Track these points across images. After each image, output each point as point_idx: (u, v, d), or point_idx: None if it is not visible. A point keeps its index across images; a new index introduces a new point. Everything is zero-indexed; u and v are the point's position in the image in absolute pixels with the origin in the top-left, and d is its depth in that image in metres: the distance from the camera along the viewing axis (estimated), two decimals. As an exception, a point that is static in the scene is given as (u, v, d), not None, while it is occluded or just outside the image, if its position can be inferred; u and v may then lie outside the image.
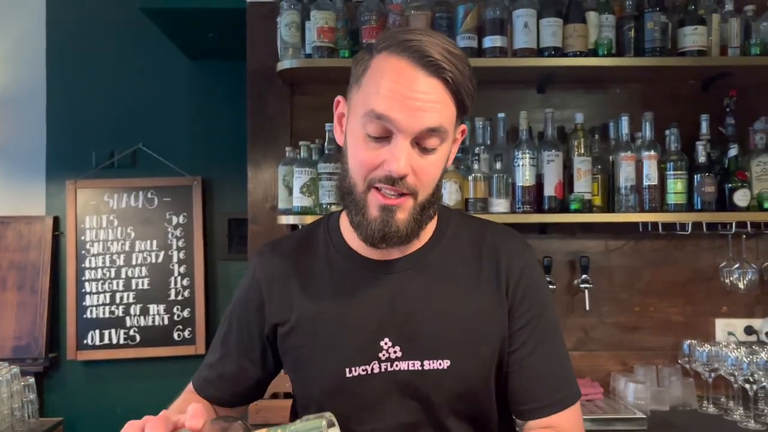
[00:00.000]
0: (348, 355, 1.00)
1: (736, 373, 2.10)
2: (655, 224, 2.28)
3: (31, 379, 2.35)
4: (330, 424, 0.72)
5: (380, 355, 0.99)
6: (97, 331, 3.01)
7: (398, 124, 0.90)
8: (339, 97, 1.03)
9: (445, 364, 0.98)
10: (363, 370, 0.99)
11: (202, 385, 1.12)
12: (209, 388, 1.11)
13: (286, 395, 2.13)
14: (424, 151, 0.93)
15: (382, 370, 0.99)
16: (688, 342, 2.29)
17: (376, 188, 0.95)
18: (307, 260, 1.07)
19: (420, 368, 0.98)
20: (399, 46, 0.91)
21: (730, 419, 2.12)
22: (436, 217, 1.05)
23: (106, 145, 3.04)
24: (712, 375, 2.19)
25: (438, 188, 0.99)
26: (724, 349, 2.16)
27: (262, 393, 1.15)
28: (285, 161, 2.23)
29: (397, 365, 0.99)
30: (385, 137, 0.92)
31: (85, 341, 3.00)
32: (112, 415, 2.95)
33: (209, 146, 3.04)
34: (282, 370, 1.14)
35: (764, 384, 2.08)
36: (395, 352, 0.99)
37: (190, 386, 1.15)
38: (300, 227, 2.10)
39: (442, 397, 0.99)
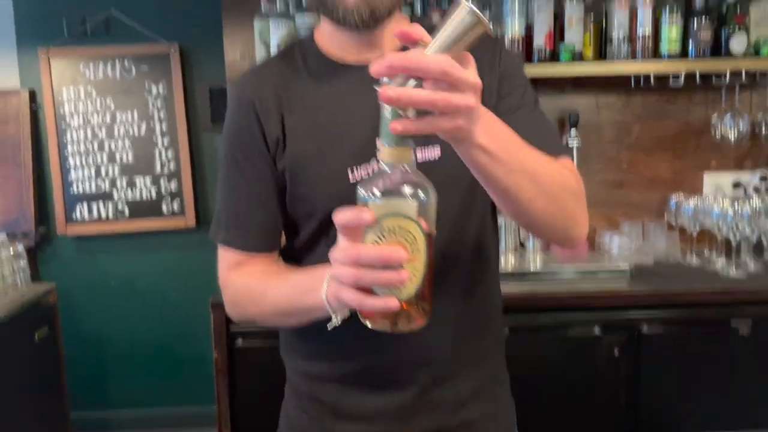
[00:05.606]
0: (348, 153, 0.99)
1: (721, 224, 2.11)
2: (647, 78, 2.21)
3: (20, 246, 2.36)
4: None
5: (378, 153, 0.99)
6: (85, 205, 2.99)
7: None
8: None
9: (436, 152, 0.99)
10: (365, 172, 0.99)
11: (254, 243, 1.04)
12: (260, 242, 1.05)
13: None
14: None
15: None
16: (675, 197, 2.28)
17: None
18: (291, 75, 1.05)
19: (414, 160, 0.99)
20: None
21: (712, 269, 2.15)
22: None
23: (77, 11, 2.88)
24: (697, 227, 2.20)
25: None
26: (710, 203, 2.16)
27: None
28: (260, 15, 2.12)
29: None
30: None
31: (73, 215, 2.99)
32: (106, 287, 3.01)
33: (185, 10, 2.88)
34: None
35: (747, 234, 2.10)
36: None
37: (234, 257, 1.05)
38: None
39: (436, 184, 1.00)
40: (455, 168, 0.95)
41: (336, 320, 0.87)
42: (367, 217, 0.72)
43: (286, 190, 1.03)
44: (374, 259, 0.73)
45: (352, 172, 0.99)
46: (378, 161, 0.74)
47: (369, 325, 0.78)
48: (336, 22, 0.99)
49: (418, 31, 0.69)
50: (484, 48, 1.02)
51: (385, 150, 0.72)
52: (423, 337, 1.02)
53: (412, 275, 0.74)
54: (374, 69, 0.67)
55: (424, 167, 0.94)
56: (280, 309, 0.98)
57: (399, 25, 1.03)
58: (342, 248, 0.76)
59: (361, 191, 0.74)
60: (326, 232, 1.03)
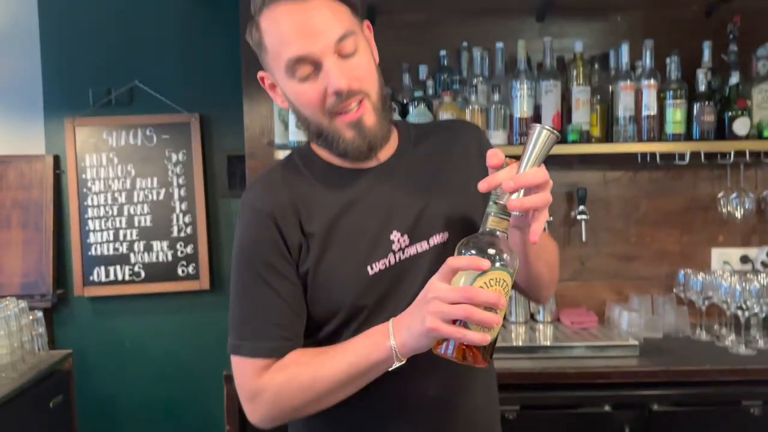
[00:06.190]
0: (366, 251, 1.07)
1: (729, 300, 2.13)
2: (653, 155, 2.27)
3: (40, 313, 2.41)
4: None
5: (393, 247, 1.08)
6: (103, 268, 3.05)
7: (314, 54, 1.01)
8: (260, 73, 1.13)
9: (445, 236, 1.10)
10: (383, 265, 1.07)
11: (283, 347, 1.06)
12: (288, 344, 1.08)
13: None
14: (347, 57, 1.04)
15: (398, 260, 1.08)
16: (683, 271, 2.31)
17: (337, 113, 1.05)
18: (300, 183, 1.11)
19: (427, 247, 1.09)
20: None
21: (722, 345, 2.16)
22: (395, 130, 1.17)
23: (103, 83, 3.00)
24: (706, 303, 2.22)
25: (382, 86, 1.09)
26: (718, 278, 2.18)
27: None
28: (280, 95, 2.21)
29: (408, 252, 1.09)
30: (314, 71, 1.03)
31: (91, 277, 3.05)
32: (121, 348, 3.04)
33: (206, 82, 2.99)
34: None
35: (756, 311, 2.12)
36: (404, 241, 1.09)
37: (261, 363, 1.06)
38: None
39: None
40: None
41: (397, 365, 0.98)
42: (485, 264, 0.89)
43: (307, 291, 1.08)
44: (488, 300, 0.88)
45: (372, 268, 1.06)
46: (484, 228, 0.94)
47: (444, 355, 0.93)
48: (337, 155, 1.10)
49: (501, 157, 0.96)
50: (471, 137, 1.20)
51: (492, 219, 0.94)
52: (435, 411, 1.09)
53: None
54: (498, 184, 0.92)
55: (435, 249, 1.09)
56: (344, 379, 1.00)
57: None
58: (449, 288, 0.90)
59: (464, 249, 0.93)
60: (348, 325, 1.08)
